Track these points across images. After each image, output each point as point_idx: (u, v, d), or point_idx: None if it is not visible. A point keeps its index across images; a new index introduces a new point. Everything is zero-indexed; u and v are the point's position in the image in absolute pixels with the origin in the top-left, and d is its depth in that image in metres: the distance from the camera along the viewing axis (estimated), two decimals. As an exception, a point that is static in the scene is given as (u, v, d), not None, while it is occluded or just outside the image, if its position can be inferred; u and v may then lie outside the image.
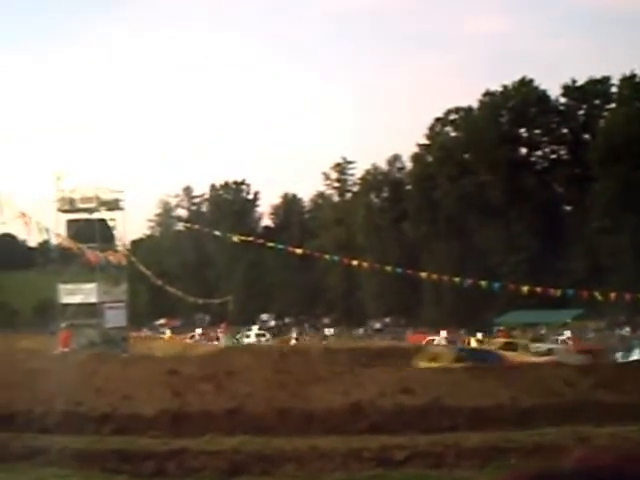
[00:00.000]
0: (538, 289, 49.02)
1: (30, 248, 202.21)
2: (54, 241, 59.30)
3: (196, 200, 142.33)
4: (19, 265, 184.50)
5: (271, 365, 25.30)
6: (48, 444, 16.48)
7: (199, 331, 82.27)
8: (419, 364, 32.60)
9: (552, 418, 19.26)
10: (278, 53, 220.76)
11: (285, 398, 21.51)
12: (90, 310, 52.91)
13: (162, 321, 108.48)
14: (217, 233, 78.90)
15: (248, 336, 77.90)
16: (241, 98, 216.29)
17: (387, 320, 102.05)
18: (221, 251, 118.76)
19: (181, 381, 23.57)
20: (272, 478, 14.42)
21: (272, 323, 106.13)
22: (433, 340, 61.04)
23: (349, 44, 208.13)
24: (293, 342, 70.28)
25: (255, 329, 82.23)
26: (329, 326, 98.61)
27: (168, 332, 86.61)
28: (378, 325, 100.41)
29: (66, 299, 53.56)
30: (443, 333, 68.34)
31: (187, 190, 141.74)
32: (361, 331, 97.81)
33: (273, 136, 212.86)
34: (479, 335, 62.82)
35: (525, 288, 50.33)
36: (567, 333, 66.08)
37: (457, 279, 54.77)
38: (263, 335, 77.14)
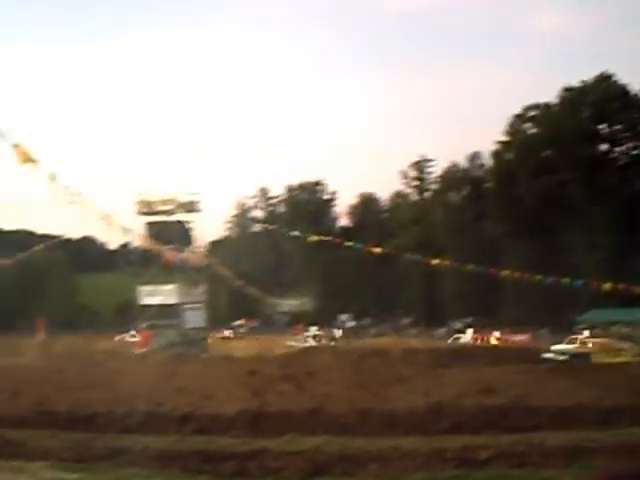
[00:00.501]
0: (620, 286, 48.20)
1: (110, 250, 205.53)
2: (134, 243, 60.28)
3: (272, 201, 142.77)
4: (99, 267, 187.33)
5: (351, 365, 25.37)
6: (129, 444, 16.72)
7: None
8: (599, 359, 32.83)
9: (638, 418, 18.97)
10: (353, 52, 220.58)
11: (366, 398, 21.53)
12: (169, 311, 53.61)
13: (240, 322, 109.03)
14: (294, 233, 79.16)
15: (308, 337, 78.62)
16: (318, 97, 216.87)
17: (468, 320, 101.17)
18: (298, 252, 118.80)
19: (261, 381, 23.77)
20: (354, 478, 14.40)
21: (351, 324, 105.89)
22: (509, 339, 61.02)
23: (427, 42, 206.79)
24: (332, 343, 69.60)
25: (314, 330, 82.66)
26: (410, 326, 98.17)
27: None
28: (459, 325, 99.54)
29: (146, 300, 54.37)
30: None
31: (263, 191, 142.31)
32: (441, 331, 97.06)
33: (350, 135, 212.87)
34: (586, 333, 61.82)
35: (607, 285, 49.51)
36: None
37: (538, 277, 54.09)
38: (317, 337, 77.59)
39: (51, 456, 15.30)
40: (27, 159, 11.74)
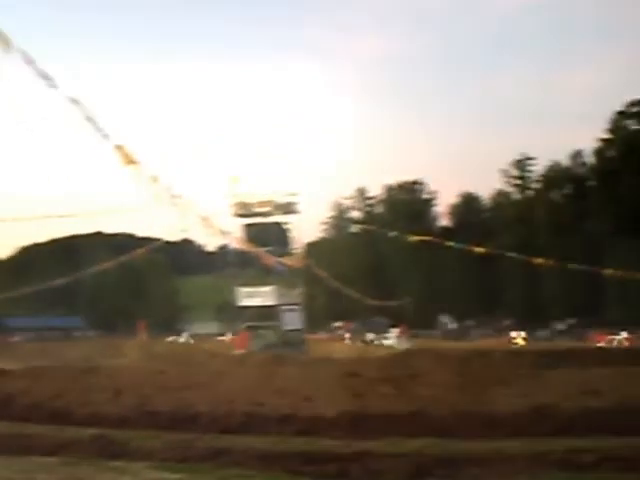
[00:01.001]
0: None
1: (208, 252, 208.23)
2: (232, 245, 60.89)
3: (370, 201, 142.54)
4: (198, 269, 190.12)
5: (453, 367, 25.12)
6: (231, 445, 16.83)
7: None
8: None
9: None
10: (453, 50, 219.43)
11: (467, 400, 21.31)
12: (267, 312, 54.02)
13: (338, 324, 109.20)
14: (393, 234, 78.87)
15: (386, 338, 78.86)
16: (416, 98, 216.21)
17: (571, 321, 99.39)
18: (397, 252, 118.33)
19: (361, 383, 23.70)
20: (457, 482, 14.30)
21: (452, 325, 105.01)
22: (613, 340, 60.17)
23: (528, 39, 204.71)
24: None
25: (395, 331, 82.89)
26: (511, 327, 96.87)
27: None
28: (561, 326, 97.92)
29: (244, 302, 54.87)
30: (624, 333, 66.72)
31: (361, 191, 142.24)
32: (544, 333, 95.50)
33: (451, 134, 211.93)
34: None
35: None
36: None
37: (644, 277, 52.87)
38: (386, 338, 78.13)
39: (153, 456, 15.50)
40: (130, 161, 11.86)
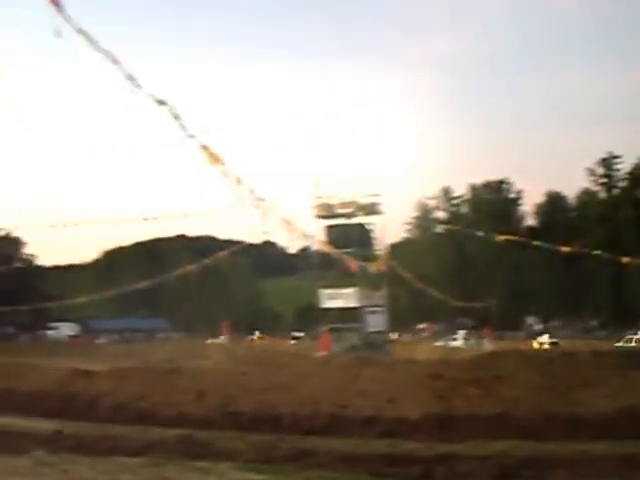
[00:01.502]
0: None
1: (290, 254, 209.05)
2: (314, 247, 61.07)
3: (455, 201, 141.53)
4: (280, 271, 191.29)
5: (538, 369, 24.89)
6: (314, 446, 16.93)
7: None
8: None
9: None
10: (539, 52, 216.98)
11: (553, 402, 21.10)
12: (350, 314, 54.03)
13: (422, 325, 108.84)
14: (478, 234, 78.30)
15: (455, 339, 78.53)
16: (501, 96, 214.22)
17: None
18: (482, 253, 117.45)
19: (445, 385, 23.60)
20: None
21: (538, 326, 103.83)
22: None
23: (615, 40, 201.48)
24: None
25: (462, 333, 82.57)
26: (598, 328, 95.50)
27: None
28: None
29: (326, 304, 54.97)
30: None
31: (445, 191, 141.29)
32: (631, 333, 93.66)
33: (536, 134, 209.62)
34: None
35: None
36: None
37: None
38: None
39: (237, 457, 15.65)
40: (216, 159, 12.01)
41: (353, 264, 38.07)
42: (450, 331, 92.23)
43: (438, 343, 77.67)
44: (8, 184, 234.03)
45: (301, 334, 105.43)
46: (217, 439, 18.32)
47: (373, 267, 51.88)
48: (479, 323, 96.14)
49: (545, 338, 72.36)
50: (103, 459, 15.12)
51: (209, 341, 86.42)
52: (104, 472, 13.68)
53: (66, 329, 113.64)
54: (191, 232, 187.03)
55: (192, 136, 12.20)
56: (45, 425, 21.95)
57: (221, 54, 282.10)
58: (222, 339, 79.84)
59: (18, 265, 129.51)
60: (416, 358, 43.81)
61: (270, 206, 14.63)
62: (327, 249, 51.78)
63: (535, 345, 68.78)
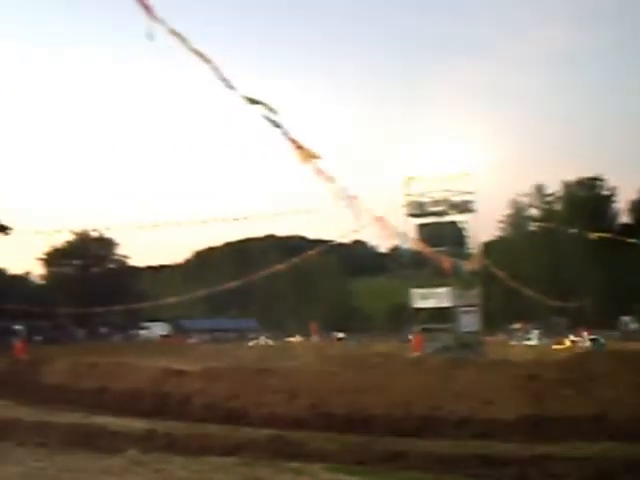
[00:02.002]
0: None
1: (380, 254, 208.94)
2: (405, 246, 60.78)
3: (549, 199, 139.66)
4: (371, 271, 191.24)
5: (635, 369, 24.39)
6: (407, 448, 16.87)
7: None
8: None
9: None
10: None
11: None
12: (443, 314, 53.65)
13: (517, 325, 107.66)
14: (572, 231, 77.30)
15: (529, 339, 77.72)
16: (590, 93, 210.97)
17: None
18: (576, 250, 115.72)
19: (540, 385, 23.32)
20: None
21: (634, 326, 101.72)
22: None
23: None
24: None
25: (536, 332, 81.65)
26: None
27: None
28: None
29: (418, 303, 54.68)
30: None
31: (539, 188, 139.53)
32: None
33: (627, 129, 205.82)
34: None
35: None
36: None
37: None
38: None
39: (329, 458, 15.67)
40: (310, 156, 12.03)
41: (446, 262, 37.77)
42: (545, 331, 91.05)
43: (513, 342, 77.21)
44: (101, 186, 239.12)
45: (343, 335, 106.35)
46: (308, 440, 18.36)
47: (466, 265, 51.51)
48: (574, 322, 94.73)
49: (584, 335, 70.67)
50: (195, 458, 15.28)
51: (299, 341, 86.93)
52: (197, 471, 13.84)
53: (158, 329, 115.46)
54: (281, 232, 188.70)
55: (286, 134, 12.24)
56: (138, 424, 22.28)
57: (312, 50, 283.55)
58: (312, 339, 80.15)
59: (111, 266, 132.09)
60: (510, 358, 43.41)
61: (362, 204, 14.59)
62: (419, 248, 51.64)
63: (567, 343, 67.58)
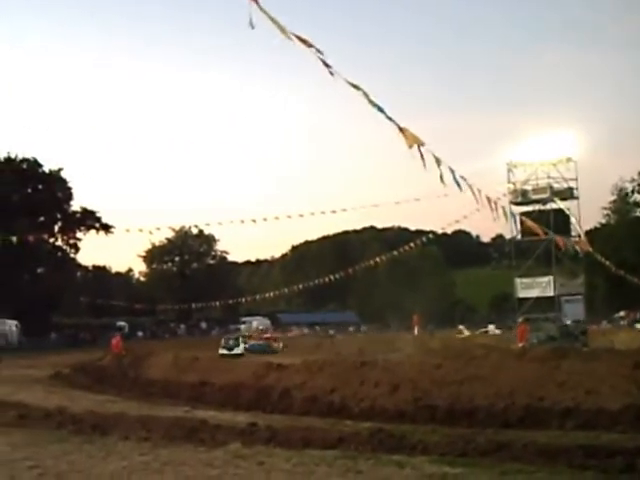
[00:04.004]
0: None
1: (483, 243, 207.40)
2: (508, 235, 60.29)
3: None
4: (474, 261, 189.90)
5: None
6: (511, 439, 16.81)
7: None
8: None
9: None
10: None
11: None
12: (547, 304, 53.15)
13: (622, 313, 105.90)
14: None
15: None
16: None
17: None
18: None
19: (647, 375, 22.99)
20: None
21: None
22: None
23: None
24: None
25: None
26: None
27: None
28: None
29: (522, 293, 54.28)
30: None
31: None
32: None
33: None
34: None
35: None
36: None
37: None
38: None
39: (432, 450, 15.68)
40: (415, 140, 11.99)
41: (560, 241, 37.33)
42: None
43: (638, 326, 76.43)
44: (201, 183, 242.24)
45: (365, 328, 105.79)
46: (411, 432, 18.41)
47: (578, 246, 50.70)
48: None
49: None
50: (297, 451, 15.44)
51: (400, 333, 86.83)
52: (299, 464, 13.98)
53: (257, 323, 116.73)
54: (381, 223, 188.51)
55: (390, 118, 12.23)
56: (240, 418, 22.64)
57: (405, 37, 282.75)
58: (414, 331, 79.93)
59: (210, 262, 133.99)
60: (616, 347, 42.79)
61: (469, 189, 14.40)
62: (522, 236, 51.22)
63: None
